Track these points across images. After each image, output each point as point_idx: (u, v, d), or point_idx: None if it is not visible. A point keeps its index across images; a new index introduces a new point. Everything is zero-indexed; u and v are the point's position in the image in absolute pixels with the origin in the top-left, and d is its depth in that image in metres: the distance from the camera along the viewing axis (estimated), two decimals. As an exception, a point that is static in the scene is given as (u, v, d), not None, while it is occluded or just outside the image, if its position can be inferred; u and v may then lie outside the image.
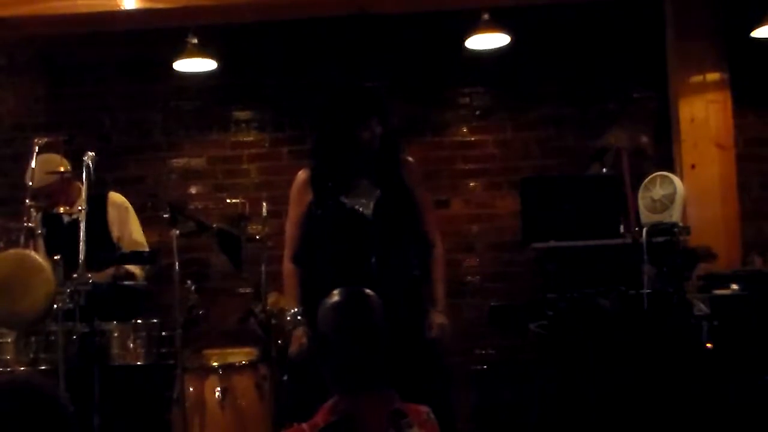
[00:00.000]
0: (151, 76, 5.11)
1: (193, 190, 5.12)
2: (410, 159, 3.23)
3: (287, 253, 3.22)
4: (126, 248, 4.08)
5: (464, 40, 4.60)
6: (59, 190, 3.99)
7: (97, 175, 3.64)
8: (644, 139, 4.18)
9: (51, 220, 3.97)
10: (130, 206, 4.29)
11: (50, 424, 1.66)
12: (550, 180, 4.30)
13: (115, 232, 4.19)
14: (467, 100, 5.10)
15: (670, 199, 3.46)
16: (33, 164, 3.71)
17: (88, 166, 3.60)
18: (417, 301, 3.12)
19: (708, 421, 3.27)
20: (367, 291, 2.12)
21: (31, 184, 3.68)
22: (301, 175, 3.20)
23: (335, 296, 2.09)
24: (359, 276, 2.88)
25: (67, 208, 3.91)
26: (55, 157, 3.93)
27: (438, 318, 3.09)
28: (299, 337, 3.08)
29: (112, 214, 4.21)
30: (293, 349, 3.10)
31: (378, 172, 3.06)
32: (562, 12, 4.83)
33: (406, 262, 3.08)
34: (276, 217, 4.83)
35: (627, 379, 3.34)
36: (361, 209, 3.02)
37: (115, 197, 4.28)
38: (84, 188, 3.60)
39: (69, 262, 3.44)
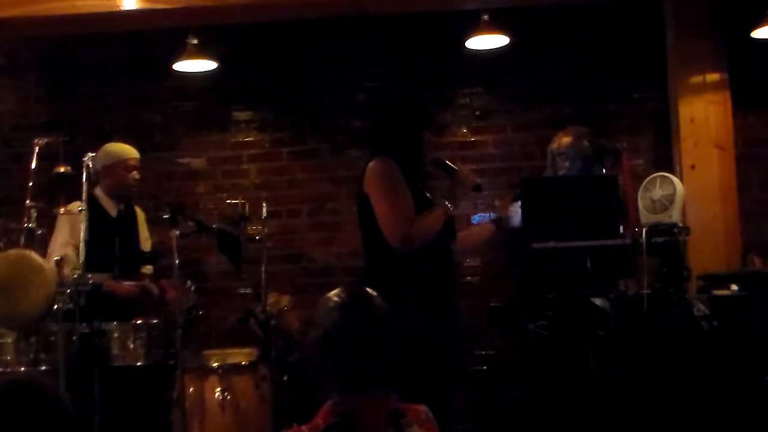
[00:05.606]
0: (151, 76, 5.11)
1: (193, 191, 5.12)
2: None
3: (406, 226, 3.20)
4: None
5: (464, 41, 4.60)
6: None
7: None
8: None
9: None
10: None
11: (51, 425, 1.66)
12: (550, 180, 4.29)
13: (142, 238, 4.32)
14: (467, 100, 5.09)
15: (670, 199, 3.45)
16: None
17: (88, 166, 3.61)
18: None
19: (708, 421, 3.27)
20: (371, 290, 2.10)
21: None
22: (391, 163, 3.26)
23: (338, 295, 2.05)
24: (448, 260, 3.34)
25: None
26: None
27: None
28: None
29: (140, 219, 4.34)
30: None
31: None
32: (562, 12, 4.83)
33: None
34: (276, 218, 4.85)
35: (626, 379, 3.34)
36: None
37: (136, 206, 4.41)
38: (84, 188, 3.60)
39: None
